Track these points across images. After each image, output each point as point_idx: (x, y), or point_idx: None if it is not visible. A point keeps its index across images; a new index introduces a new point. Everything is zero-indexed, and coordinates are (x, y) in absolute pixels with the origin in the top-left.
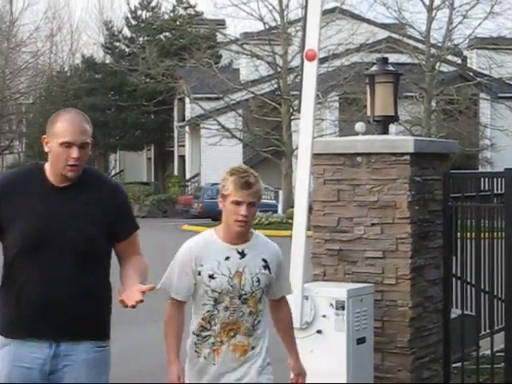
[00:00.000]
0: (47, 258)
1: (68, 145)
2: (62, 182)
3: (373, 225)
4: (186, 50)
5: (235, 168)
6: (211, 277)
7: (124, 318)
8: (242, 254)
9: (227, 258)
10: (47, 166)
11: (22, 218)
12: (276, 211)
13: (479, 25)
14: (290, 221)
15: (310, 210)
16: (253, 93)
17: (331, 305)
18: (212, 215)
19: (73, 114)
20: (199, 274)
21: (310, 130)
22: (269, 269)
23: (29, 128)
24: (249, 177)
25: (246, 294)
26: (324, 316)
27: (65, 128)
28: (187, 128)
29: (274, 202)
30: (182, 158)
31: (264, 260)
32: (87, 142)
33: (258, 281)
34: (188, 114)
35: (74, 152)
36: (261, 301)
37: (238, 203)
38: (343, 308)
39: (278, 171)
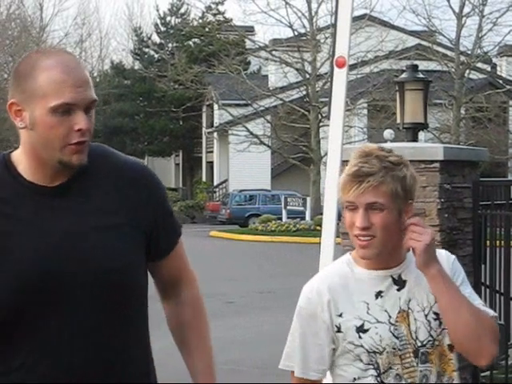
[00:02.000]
0: (56, 319)
1: (67, 109)
2: (54, 179)
3: None
4: (215, 57)
5: (360, 149)
6: (361, 329)
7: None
8: (401, 282)
9: (379, 294)
10: (18, 157)
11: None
12: (304, 218)
13: (509, 32)
14: (318, 228)
15: (339, 217)
16: (281, 99)
17: None
18: (239, 221)
19: (62, 54)
20: (339, 329)
21: (339, 137)
22: None
23: None
24: (365, 164)
25: (424, 346)
26: None
27: (59, 78)
28: (215, 134)
29: (302, 208)
30: (210, 164)
31: None
32: (95, 99)
33: (438, 317)
34: (216, 121)
35: (81, 119)
36: (452, 350)
37: (351, 207)
38: None
39: (306, 178)
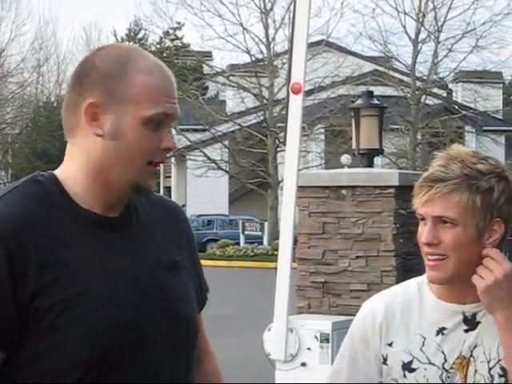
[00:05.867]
0: (129, 372)
1: (160, 122)
2: (110, 209)
3: (357, 257)
4: None
5: (446, 151)
6: (408, 367)
7: None
8: (473, 323)
9: (441, 331)
10: (70, 177)
11: (71, 300)
12: (262, 243)
13: (464, 58)
14: (275, 252)
15: (295, 242)
16: (239, 124)
17: (316, 337)
18: (197, 247)
19: (151, 56)
20: (385, 361)
21: (295, 163)
22: None
23: (15, 158)
24: (442, 167)
25: None
26: (309, 349)
27: (159, 85)
28: (173, 159)
29: (259, 233)
30: (167, 189)
31: None
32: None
33: (504, 374)
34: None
35: (170, 137)
36: None
37: (421, 219)
38: (328, 341)
39: (264, 203)
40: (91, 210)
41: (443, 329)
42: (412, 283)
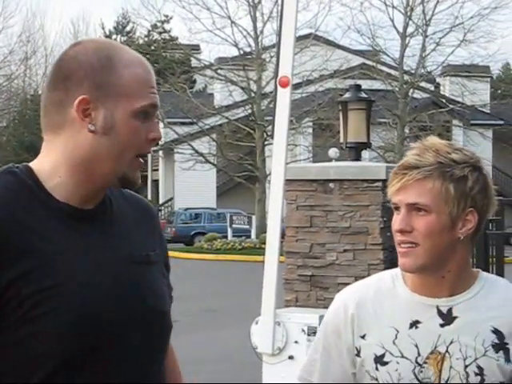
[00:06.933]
0: (102, 366)
1: (147, 113)
2: (88, 201)
3: (345, 251)
4: (161, 75)
5: (421, 142)
6: (380, 360)
7: None
8: (448, 318)
9: (415, 324)
10: (48, 170)
11: (47, 293)
12: (249, 236)
13: (452, 52)
14: (263, 246)
15: (283, 235)
16: (227, 118)
17: (303, 331)
18: (185, 240)
19: (130, 49)
20: (358, 353)
21: (282, 156)
22: (505, 351)
23: (2, 151)
24: (417, 156)
25: None
26: (296, 342)
27: (144, 78)
28: (161, 152)
29: (247, 227)
30: (155, 182)
31: (495, 331)
32: None
33: (481, 373)
34: (162, 139)
35: (157, 127)
36: None
37: (395, 207)
38: (315, 334)
39: (252, 196)
40: (66, 203)
41: (417, 322)
42: (386, 275)
